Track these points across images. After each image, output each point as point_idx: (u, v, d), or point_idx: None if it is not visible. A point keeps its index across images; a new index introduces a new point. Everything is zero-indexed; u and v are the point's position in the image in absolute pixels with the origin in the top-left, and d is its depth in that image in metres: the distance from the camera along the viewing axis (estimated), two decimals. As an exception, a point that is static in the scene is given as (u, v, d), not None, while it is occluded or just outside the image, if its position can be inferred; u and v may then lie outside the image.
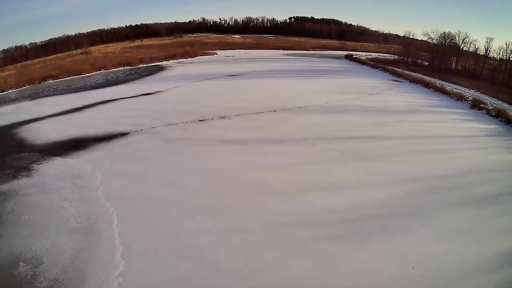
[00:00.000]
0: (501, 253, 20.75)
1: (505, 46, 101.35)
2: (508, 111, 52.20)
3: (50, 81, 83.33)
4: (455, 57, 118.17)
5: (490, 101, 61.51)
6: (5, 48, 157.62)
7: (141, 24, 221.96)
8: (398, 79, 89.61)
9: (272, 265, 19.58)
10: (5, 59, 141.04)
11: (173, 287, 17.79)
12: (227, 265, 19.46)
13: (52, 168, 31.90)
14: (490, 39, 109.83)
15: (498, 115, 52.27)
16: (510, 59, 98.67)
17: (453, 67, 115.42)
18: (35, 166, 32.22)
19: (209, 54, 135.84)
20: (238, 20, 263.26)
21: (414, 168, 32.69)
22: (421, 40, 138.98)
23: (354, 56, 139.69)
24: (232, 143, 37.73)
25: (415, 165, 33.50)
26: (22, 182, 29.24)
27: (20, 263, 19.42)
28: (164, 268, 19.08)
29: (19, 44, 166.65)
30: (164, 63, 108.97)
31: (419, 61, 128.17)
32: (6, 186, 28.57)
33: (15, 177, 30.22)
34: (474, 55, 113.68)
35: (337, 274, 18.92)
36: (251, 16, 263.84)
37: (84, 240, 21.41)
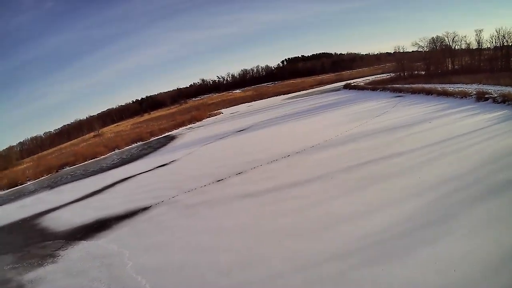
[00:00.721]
0: None
1: (496, 34, 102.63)
2: None
3: (67, 168, 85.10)
4: (449, 59, 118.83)
5: (494, 89, 60.96)
6: (21, 141, 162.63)
7: (146, 97, 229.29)
8: (400, 94, 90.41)
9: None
10: (22, 151, 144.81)
11: None
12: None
13: (77, 252, 31.94)
14: (479, 30, 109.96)
15: (505, 100, 52.19)
16: (504, 44, 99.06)
17: (450, 68, 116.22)
18: (61, 252, 32.34)
19: (215, 115, 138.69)
20: (235, 75, 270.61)
21: (432, 176, 31.94)
22: (412, 51, 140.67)
23: (352, 84, 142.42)
24: (252, 196, 37.48)
25: (431, 173, 32.76)
26: (48, 269, 29.23)
27: None
28: None
29: (33, 135, 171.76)
30: (174, 132, 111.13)
31: (416, 72, 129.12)
32: (31, 275, 28.57)
33: (40, 265, 30.29)
34: (468, 51, 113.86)
35: None
36: (246, 68, 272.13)
37: (120, 318, 21.17)
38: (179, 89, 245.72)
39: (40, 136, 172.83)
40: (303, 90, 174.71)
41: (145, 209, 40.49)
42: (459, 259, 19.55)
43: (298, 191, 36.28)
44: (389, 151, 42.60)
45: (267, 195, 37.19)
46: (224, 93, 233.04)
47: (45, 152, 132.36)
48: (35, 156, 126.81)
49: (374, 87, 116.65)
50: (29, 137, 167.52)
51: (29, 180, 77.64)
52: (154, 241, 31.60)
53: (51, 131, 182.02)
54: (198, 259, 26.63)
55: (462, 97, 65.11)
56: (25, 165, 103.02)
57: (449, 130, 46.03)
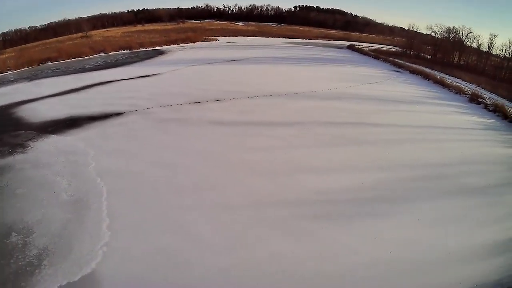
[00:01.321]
0: (483, 244, 21.16)
1: (508, 43, 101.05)
2: (506, 107, 52.44)
3: (49, 63, 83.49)
4: (457, 52, 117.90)
5: (489, 96, 61.58)
6: (5, 32, 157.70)
7: (143, 9, 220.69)
8: (399, 69, 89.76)
9: (252, 242, 20.37)
10: (5, 42, 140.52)
11: (154, 258, 18.59)
12: (209, 240, 20.24)
13: (46, 145, 32.64)
14: (494, 35, 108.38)
15: (495, 110, 52.47)
16: None
17: (455, 62, 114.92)
18: (30, 143, 32.90)
19: (211, 40, 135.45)
20: (242, 7, 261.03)
21: (405, 156, 33.39)
22: (426, 34, 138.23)
23: (357, 46, 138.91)
24: (225, 125, 38.42)
25: (407, 152, 34.19)
26: (17, 158, 29.98)
27: (12, 233, 20.23)
28: (147, 240, 19.90)
29: (18, 27, 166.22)
30: (164, 47, 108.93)
31: (422, 54, 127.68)
32: (1, 162, 29.27)
33: (10, 153, 30.92)
34: (477, 51, 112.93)
35: (316, 252, 19.67)
36: (255, 3, 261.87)
37: (73, 212, 22.24)
38: (179, 9, 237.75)
39: (25, 29, 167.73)
40: (308, 39, 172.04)
41: (118, 114, 41.11)
42: (399, 243, 20.97)
43: (271, 132, 37.45)
44: (369, 119, 43.65)
45: (240, 127, 38.22)
46: (226, 22, 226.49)
47: (28, 45, 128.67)
48: (18, 47, 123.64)
49: (376, 55, 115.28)
50: (13, 29, 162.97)
51: (9, 70, 76.20)
52: (119, 146, 32.58)
53: (36, 26, 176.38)
54: (156, 173, 27.88)
55: (456, 93, 65.43)
56: (6, 55, 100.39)
57: (434, 118, 47.07)
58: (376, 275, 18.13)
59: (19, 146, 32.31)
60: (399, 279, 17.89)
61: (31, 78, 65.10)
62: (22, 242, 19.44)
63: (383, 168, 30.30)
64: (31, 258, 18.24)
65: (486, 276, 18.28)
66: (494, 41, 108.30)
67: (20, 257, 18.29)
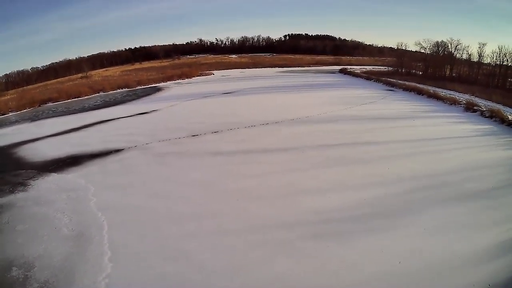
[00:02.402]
0: (492, 246, 21.07)
1: (498, 50, 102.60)
2: (502, 112, 52.64)
3: (50, 104, 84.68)
4: (448, 65, 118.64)
5: (485, 104, 61.65)
6: (7, 73, 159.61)
7: (140, 47, 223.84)
8: (392, 88, 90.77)
9: (255, 264, 20.30)
10: (7, 83, 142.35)
11: (156, 285, 18.59)
12: (211, 265, 20.21)
13: (47, 183, 32.95)
14: (483, 44, 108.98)
15: (492, 116, 52.78)
16: (504, 63, 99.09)
17: (447, 75, 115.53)
18: (31, 182, 33.22)
19: (206, 75, 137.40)
20: (234, 40, 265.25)
21: (403, 169, 33.37)
22: (415, 51, 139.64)
23: (348, 69, 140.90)
24: (222, 155, 38.76)
25: (404, 166, 34.19)
26: (18, 196, 30.25)
27: (13, 267, 20.30)
28: (150, 269, 19.92)
29: (21, 69, 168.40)
30: (161, 84, 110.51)
31: (413, 71, 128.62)
32: (2, 200, 29.56)
33: (11, 191, 31.23)
34: (468, 62, 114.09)
35: (320, 271, 19.50)
36: (246, 35, 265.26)
37: (75, 246, 22.33)
38: (174, 45, 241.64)
39: (27, 71, 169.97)
40: (300, 67, 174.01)
41: (117, 151, 41.49)
42: (406, 254, 20.82)
43: (267, 158, 37.72)
44: (365, 138, 43.89)
45: (237, 156, 38.55)
46: (220, 55, 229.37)
47: (30, 87, 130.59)
48: (20, 89, 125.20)
49: (368, 76, 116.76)
50: (15, 71, 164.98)
51: (11, 111, 77.29)
52: (119, 181, 32.85)
53: (38, 67, 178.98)
54: (155, 204, 27.99)
55: (451, 104, 65.82)
56: (8, 97, 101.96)
57: (430, 131, 47.27)
58: (385, 286, 18.03)
59: (20, 185, 32.63)
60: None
61: (32, 119, 65.99)
62: (23, 276, 19.48)
63: (382, 184, 30.31)
64: (33, 292, 18.26)
65: (498, 276, 18.19)
66: (484, 50, 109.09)
67: (21, 291, 18.33)
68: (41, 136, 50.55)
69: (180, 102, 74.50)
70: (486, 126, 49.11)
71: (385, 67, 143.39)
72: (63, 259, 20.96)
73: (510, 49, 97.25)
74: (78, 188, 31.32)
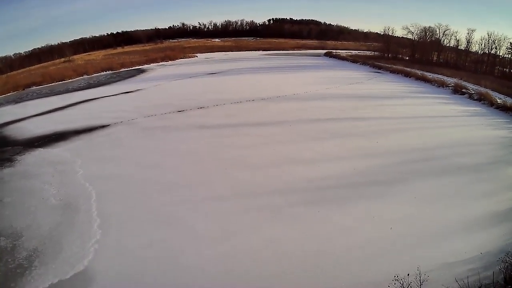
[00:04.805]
0: (483, 215, 21.06)
1: (487, 36, 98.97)
2: (491, 94, 52.27)
3: (34, 87, 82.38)
4: (436, 52, 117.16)
5: (473, 88, 60.73)
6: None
7: (122, 32, 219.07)
8: (379, 70, 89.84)
9: (246, 229, 19.93)
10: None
11: (148, 250, 17.98)
12: (202, 231, 19.72)
13: (33, 158, 31.83)
14: (472, 30, 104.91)
15: (480, 99, 52.47)
16: (492, 50, 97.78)
17: (434, 60, 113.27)
18: (18, 157, 32.05)
19: (190, 57, 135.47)
20: (218, 24, 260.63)
21: (394, 143, 33.29)
22: (402, 37, 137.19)
23: (334, 53, 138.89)
24: (210, 128, 37.99)
25: (395, 140, 34.11)
26: (5, 171, 29.14)
27: (1, 237, 19.45)
28: (140, 235, 19.27)
29: (3, 55, 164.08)
30: (145, 66, 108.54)
31: (400, 56, 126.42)
32: (-11, 175, 28.41)
33: (-2, 167, 30.09)
34: (456, 49, 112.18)
35: (313, 235, 19.27)
36: (230, 19, 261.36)
37: (62, 215, 21.54)
38: (157, 29, 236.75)
39: (10, 57, 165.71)
40: (284, 50, 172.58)
41: (103, 126, 40.30)
42: (399, 219, 20.72)
43: (255, 131, 37.13)
44: (354, 114, 43.60)
45: (224, 129, 37.76)
46: (203, 39, 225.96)
47: (14, 72, 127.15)
48: (4, 75, 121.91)
49: (354, 59, 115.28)
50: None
51: (-5, 95, 75.18)
52: (107, 154, 31.90)
53: (21, 53, 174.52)
54: (144, 174, 27.31)
55: (439, 86, 65.23)
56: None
57: (419, 110, 47.09)
58: (377, 250, 17.80)
59: (6, 160, 31.46)
60: (402, 252, 17.58)
61: (16, 101, 64.08)
62: (11, 245, 18.72)
63: (373, 156, 30.17)
64: (21, 260, 17.54)
65: (489, 244, 18.09)
66: (473, 36, 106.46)
67: (9, 260, 17.58)
68: (25, 116, 49.00)
69: (164, 82, 73.05)
70: (475, 108, 48.86)
71: (371, 51, 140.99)
72: (51, 228, 20.15)
73: (499, 36, 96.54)
74: (65, 161, 30.25)
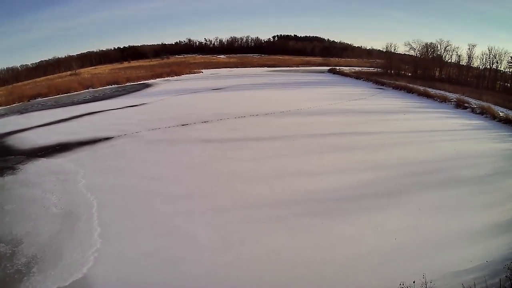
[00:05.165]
0: (488, 225, 20.87)
1: (488, 52, 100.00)
2: (493, 108, 52.28)
3: (39, 99, 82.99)
4: (438, 68, 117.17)
5: (475, 102, 60.55)
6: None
7: (129, 46, 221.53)
8: (381, 87, 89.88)
9: (248, 240, 19.78)
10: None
11: (149, 259, 17.80)
12: (204, 241, 19.57)
13: (36, 167, 31.90)
14: (473, 45, 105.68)
15: (483, 112, 52.57)
16: (493, 64, 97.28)
17: (436, 76, 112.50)
18: (20, 166, 32.14)
19: (195, 73, 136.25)
20: (223, 40, 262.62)
21: (396, 157, 33.14)
22: (404, 54, 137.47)
23: (338, 69, 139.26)
24: (213, 142, 38.03)
25: (397, 154, 33.96)
26: (6, 179, 29.20)
27: (0, 244, 19.34)
28: (140, 245, 19.14)
29: (10, 66, 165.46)
30: (150, 81, 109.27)
31: (402, 72, 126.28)
32: (-10, 183, 28.42)
33: (0, 175, 30.04)
34: (457, 65, 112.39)
35: (316, 245, 19.09)
36: (235, 36, 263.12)
37: (63, 223, 21.46)
38: (163, 45, 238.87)
39: (17, 68, 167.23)
40: (289, 67, 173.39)
41: (107, 138, 40.38)
42: (403, 230, 20.51)
43: (258, 145, 37.11)
44: (357, 129, 43.55)
45: (228, 143, 37.78)
46: (208, 55, 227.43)
47: (19, 83, 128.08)
48: (10, 86, 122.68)
49: (358, 76, 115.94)
50: (5, 67, 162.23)
51: (0, 106, 75.58)
52: (109, 165, 31.89)
53: (28, 65, 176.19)
54: (147, 185, 27.26)
55: (442, 101, 65.27)
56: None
57: (421, 124, 47.00)
58: (382, 260, 17.63)
59: (9, 169, 31.52)
60: (407, 262, 17.36)
61: (21, 112, 64.57)
62: (10, 251, 18.60)
63: (375, 168, 30.07)
64: (20, 266, 17.39)
65: (494, 253, 17.87)
66: (473, 51, 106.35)
67: (8, 265, 17.44)
68: (29, 126, 49.31)
69: (169, 96, 73.46)
70: (477, 121, 48.79)
71: (374, 68, 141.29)
72: (51, 236, 20.05)
73: (500, 51, 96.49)
74: (67, 172, 30.26)
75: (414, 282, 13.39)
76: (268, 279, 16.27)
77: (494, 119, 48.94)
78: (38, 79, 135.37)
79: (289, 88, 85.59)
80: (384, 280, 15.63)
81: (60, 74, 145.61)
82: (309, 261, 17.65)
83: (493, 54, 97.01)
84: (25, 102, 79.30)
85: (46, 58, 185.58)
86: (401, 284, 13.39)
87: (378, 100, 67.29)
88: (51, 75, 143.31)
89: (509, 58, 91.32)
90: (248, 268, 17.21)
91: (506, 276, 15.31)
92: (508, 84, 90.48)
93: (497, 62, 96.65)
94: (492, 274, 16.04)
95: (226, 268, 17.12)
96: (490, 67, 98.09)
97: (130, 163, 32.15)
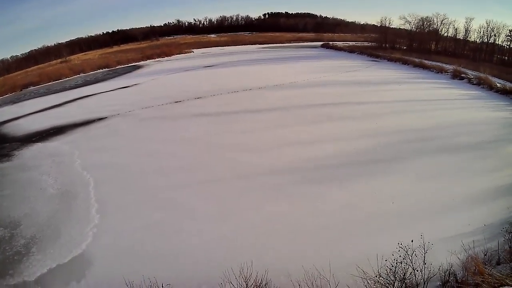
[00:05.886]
0: (486, 190, 20.74)
1: (485, 25, 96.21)
2: (490, 79, 51.14)
3: (32, 87, 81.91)
4: (434, 41, 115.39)
5: (472, 73, 58.57)
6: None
7: (118, 31, 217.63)
8: (376, 59, 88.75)
9: (246, 209, 19.64)
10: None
11: (147, 232, 17.68)
12: (202, 212, 19.43)
13: (31, 151, 31.52)
14: (470, 19, 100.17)
15: (480, 83, 51.59)
16: (490, 37, 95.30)
17: (432, 49, 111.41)
18: (16, 152, 31.74)
19: (186, 53, 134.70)
20: (213, 20, 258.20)
21: (393, 124, 32.86)
22: (399, 28, 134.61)
23: (331, 44, 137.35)
24: (207, 116, 37.68)
25: (394, 122, 33.65)
26: (2, 165, 28.83)
27: (-1, 227, 19.13)
28: (139, 218, 19.00)
29: (0, 58, 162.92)
30: (141, 63, 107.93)
31: (397, 46, 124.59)
32: (-14, 169, 28.09)
33: (-5, 162, 29.75)
34: (454, 39, 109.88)
35: (315, 211, 19.01)
36: (225, 15, 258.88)
37: (61, 203, 21.24)
38: (152, 27, 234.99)
39: (7, 60, 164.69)
40: (281, 44, 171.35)
41: (100, 119, 39.87)
42: (401, 195, 20.37)
43: (252, 117, 36.80)
44: (352, 99, 43.10)
45: (222, 116, 37.40)
46: (198, 35, 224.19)
47: (11, 75, 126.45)
48: (1, 78, 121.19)
49: (351, 49, 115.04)
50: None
51: (-7, 97, 74.64)
52: (104, 144, 31.56)
53: (18, 55, 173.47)
54: (142, 161, 26.99)
55: (438, 72, 64.22)
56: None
57: (417, 94, 46.37)
58: (380, 224, 17.59)
59: (4, 156, 31.13)
60: (405, 225, 17.37)
61: (14, 101, 63.72)
62: (9, 234, 18.43)
63: (372, 136, 29.76)
64: (19, 247, 17.26)
65: (493, 217, 17.79)
66: (471, 25, 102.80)
67: (7, 248, 17.27)
68: (23, 114, 48.59)
69: (161, 76, 72.54)
70: (475, 92, 48.09)
71: (368, 42, 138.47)
72: (49, 216, 19.84)
73: (498, 24, 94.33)
74: (63, 153, 29.90)
75: (412, 241, 13.15)
76: (268, 246, 16.17)
77: (491, 90, 48.17)
78: (29, 69, 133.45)
79: (282, 63, 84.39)
80: (382, 243, 15.43)
81: (50, 62, 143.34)
82: (308, 226, 17.59)
83: (491, 27, 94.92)
84: (18, 92, 78.33)
85: (36, 48, 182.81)
86: (399, 244, 13.18)
87: (372, 72, 66.42)
88: (42, 64, 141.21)
89: (508, 31, 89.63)
90: (246, 235, 17.15)
91: (504, 240, 15.33)
92: (506, 57, 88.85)
93: (495, 35, 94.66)
94: (490, 237, 15.98)
95: (225, 238, 17.04)
96: (488, 41, 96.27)
97: (124, 141, 31.86)
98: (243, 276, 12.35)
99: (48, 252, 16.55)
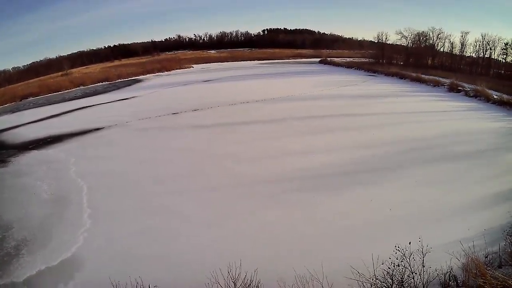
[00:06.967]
0: (486, 196, 20.81)
1: (481, 38, 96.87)
2: (487, 90, 51.58)
3: (31, 98, 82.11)
4: (430, 56, 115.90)
5: (468, 86, 58.77)
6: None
7: (119, 45, 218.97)
8: (374, 74, 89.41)
9: (240, 215, 19.70)
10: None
11: (139, 237, 17.68)
12: (196, 219, 19.44)
13: (27, 158, 31.60)
14: (466, 33, 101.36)
15: (476, 95, 52.01)
16: (486, 51, 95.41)
17: (429, 64, 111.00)
18: (11, 159, 31.79)
19: (186, 68, 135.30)
20: (213, 35, 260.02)
21: (390, 135, 33.09)
22: (395, 44, 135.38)
23: (329, 60, 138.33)
24: (204, 127, 37.92)
25: (391, 133, 33.92)
26: (-3, 172, 28.81)
27: (-10, 230, 19.08)
28: (132, 223, 19.03)
29: (2, 69, 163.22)
30: (141, 77, 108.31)
31: (394, 61, 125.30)
32: (-18, 176, 28.07)
33: (-9, 168, 29.76)
34: (450, 54, 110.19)
35: (309, 218, 19.01)
36: (225, 31, 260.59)
37: (54, 208, 21.24)
38: (153, 42, 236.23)
39: (9, 71, 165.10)
40: (279, 60, 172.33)
41: (97, 129, 40.00)
42: (398, 202, 20.35)
43: (249, 128, 37.12)
44: (348, 111, 43.46)
45: (219, 128, 37.66)
46: (198, 51, 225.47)
47: (12, 86, 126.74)
48: (2, 89, 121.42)
49: (349, 65, 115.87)
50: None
51: (-8, 107, 74.75)
52: (100, 153, 31.69)
53: (20, 67, 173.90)
54: (137, 169, 27.09)
55: (435, 85, 64.80)
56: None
57: (415, 106, 46.83)
58: (377, 230, 17.61)
59: (0, 162, 31.13)
60: (403, 230, 17.27)
61: (13, 111, 63.86)
62: (0, 237, 18.32)
63: (369, 146, 29.93)
64: (9, 249, 17.21)
65: (492, 222, 17.83)
66: (467, 38, 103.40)
67: (-3, 249, 17.12)
68: (21, 123, 48.69)
69: (160, 89, 72.94)
70: (471, 103, 48.51)
71: (366, 58, 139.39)
72: (41, 220, 19.84)
73: (493, 37, 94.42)
74: (58, 161, 29.98)
75: (410, 243, 13.10)
76: (262, 253, 16.10)
77: (488, 101, 48.50)
78: (30, 81, 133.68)
79: (280, 78, 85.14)
80: (378, 247, 15.37)
81: (51, 75, 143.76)
82: (302, 233, 17.57)
83: (487, 40, 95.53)
84: (17, 102, 78.51)
85: (38, 60, 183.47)
86: (397, 246, 13.15)
87: (370, 86, 67.10)
88: (43, 76, 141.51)
89: (503, 44, 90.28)
90: (241, 241, 17.13)
91: (505, 244, 15.26)
92: (502, 71, 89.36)
93: (490, 49, 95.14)
94: (490, 241, 15.82)
95: (219, 244, 16.97)
96: (484, 54, 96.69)
97: (120, 150, 32.03)
98: (231, 276, 12.30)
99: (38, 254, 16.49)
